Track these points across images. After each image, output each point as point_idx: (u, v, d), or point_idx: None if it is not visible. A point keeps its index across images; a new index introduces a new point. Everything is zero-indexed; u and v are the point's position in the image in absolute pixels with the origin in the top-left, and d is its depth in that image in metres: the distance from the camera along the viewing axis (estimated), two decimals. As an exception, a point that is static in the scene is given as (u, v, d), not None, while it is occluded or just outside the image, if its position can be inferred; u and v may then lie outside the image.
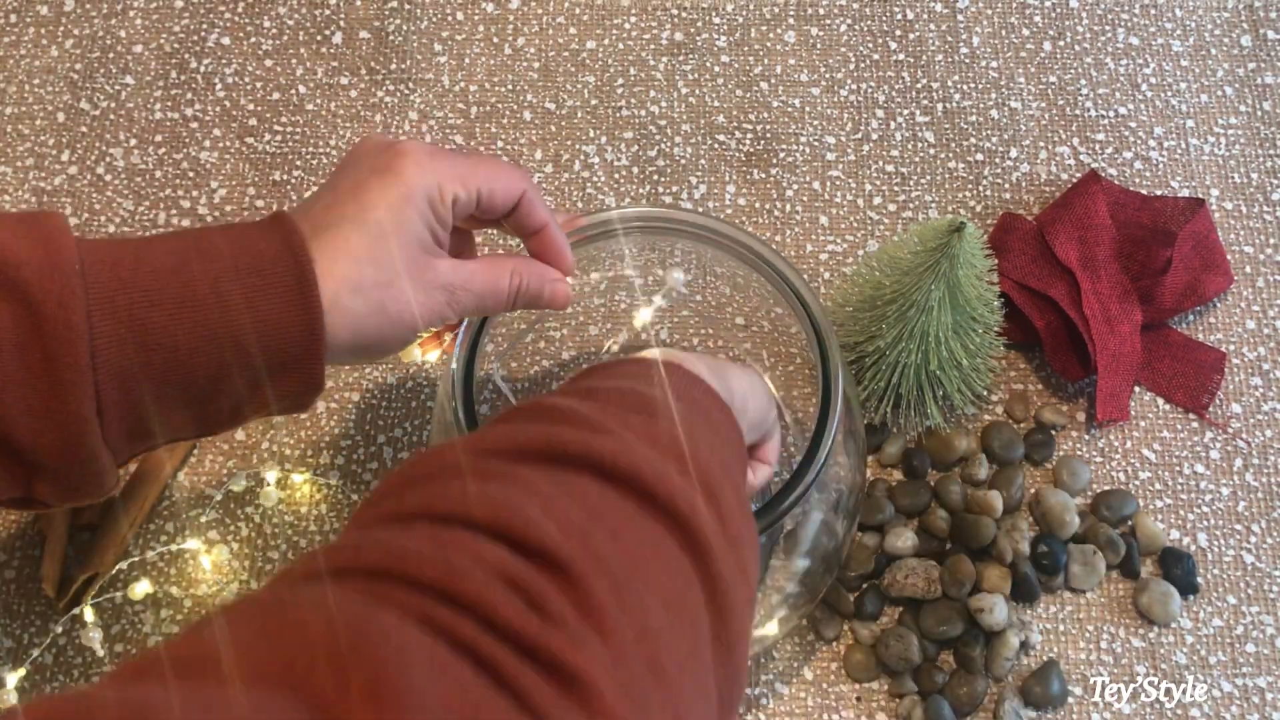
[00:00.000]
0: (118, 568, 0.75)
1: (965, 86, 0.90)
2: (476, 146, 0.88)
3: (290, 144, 0.88)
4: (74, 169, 0.87)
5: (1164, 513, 0.78)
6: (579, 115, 0.89)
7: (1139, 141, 0.88)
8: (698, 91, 0.90)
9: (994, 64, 0.91)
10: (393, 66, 0.91)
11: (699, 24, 0.92)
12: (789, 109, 0.89)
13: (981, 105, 0.89)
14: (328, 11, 0.93)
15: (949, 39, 0.91)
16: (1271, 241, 0.85)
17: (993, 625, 0.72)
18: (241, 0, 0.93)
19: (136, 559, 0.76)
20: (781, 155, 0.88)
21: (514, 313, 0.64)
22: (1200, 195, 0.86)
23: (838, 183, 0.87)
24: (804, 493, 0.61)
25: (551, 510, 0.41)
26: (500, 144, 0.88)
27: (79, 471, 0.51)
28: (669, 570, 0.43)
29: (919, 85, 0.90)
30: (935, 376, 0.75)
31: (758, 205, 0.86)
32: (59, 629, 0.74)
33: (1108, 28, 0.92)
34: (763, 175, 0.87)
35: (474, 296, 0.58)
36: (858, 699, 0.73)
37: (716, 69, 0.91)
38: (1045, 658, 0.74)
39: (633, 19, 0.92)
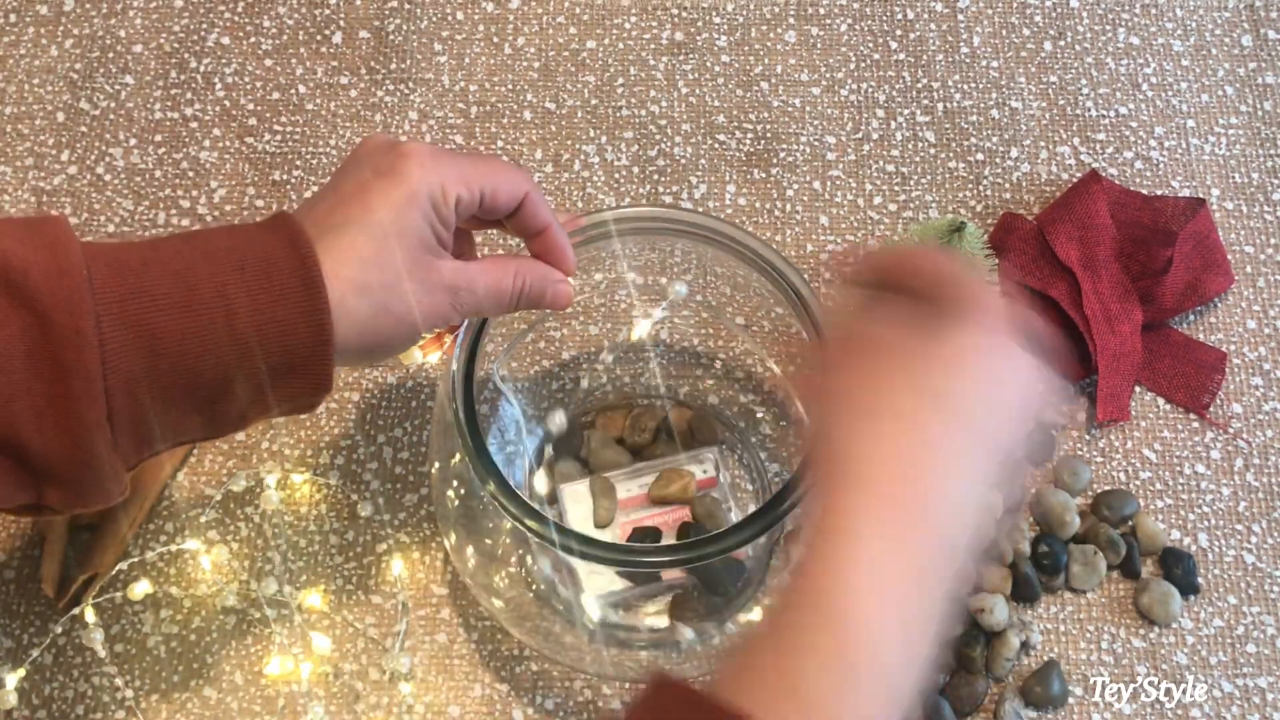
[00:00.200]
0: (117, 568, 0.75)
1: (966, 86, 0.90)
2: (476, 146, 0.88)
3: (290, 144, 0.88)
4: (74, 169, 0.87)
5: (1164, 513, 0.78)
6: (579, 115, 0.89)
7: (1139, 141, 0.88)
8: (698, 91, 0.90)
9: (994, 64, 0.91)
10: (393, 66, 0.91)
11: (699, 24, 0.92)
12: (789, 109, 0.89)
13: (982, 105, 0.89)
14: (328, 11, 0.93)
15: (949, 39, 0.91)
16: (1272, 241, 0.85)
17: (993, 625, 0.72)
18: (241, 0, 0.93)
19: (136, 559, 0.76)
20: (782, 155, 0.88)
21: (514, 313, 0.64)
22: (1201, 195, 0.86)
23: (838, 182, 0.87)
24: (803, 493, 0.61)
25: None
26: (500, 144, 0.88)
27: (89, 478, 0.51)
28: None
29: (919, 85, 0.90)
30: None
31: (758, 205, 0.86)
32: (59, 629, 0.74)
33: (1108, 27, 0.92)
34: (763, 175, 0.87)
35: (477, 297, 0.58)
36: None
37: (717, 69, 0.91)
38: (1046, 658, 0.73)
39: (633, 19, 0.92)
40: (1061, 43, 0.91)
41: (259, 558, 0.76)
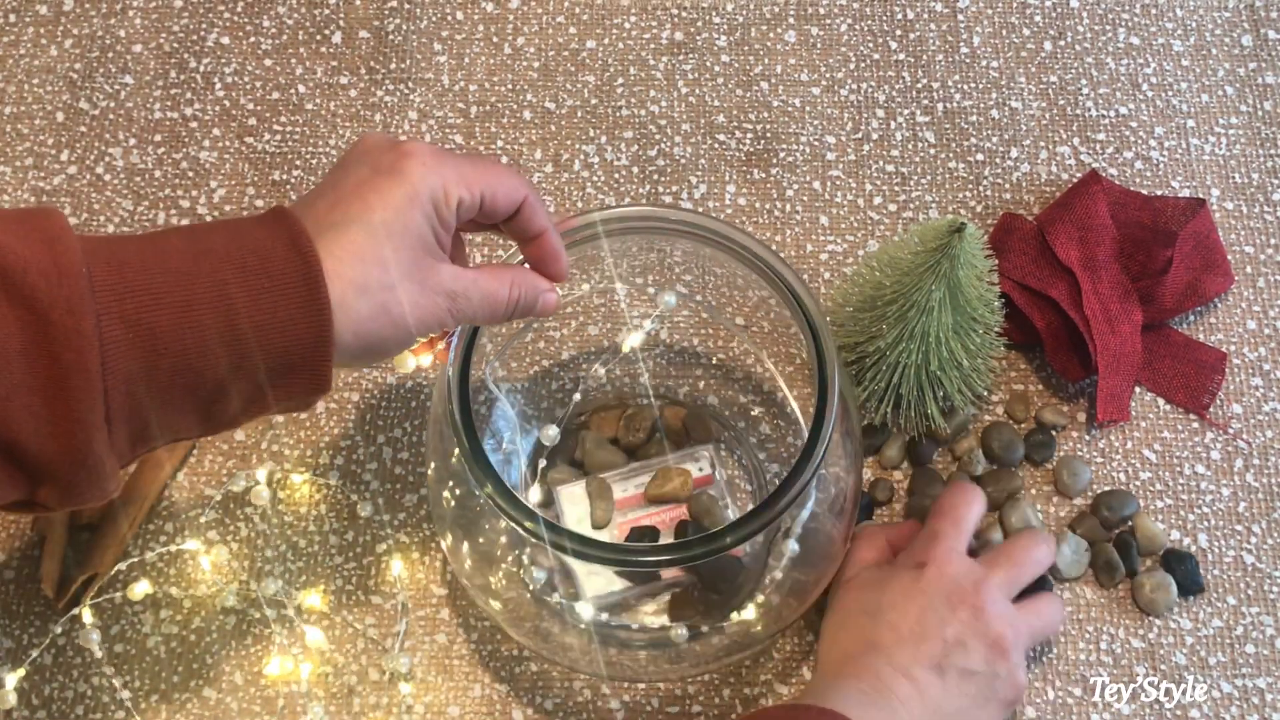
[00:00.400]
0: (117, 568, 0.75)
1: (966, 86, 0.90)
2: (476, 146, 0.88)
3: (290, 144, 0.88)
4: (73, 169, 0.87)
5: (1164, 513, 0.78)
6: (579, 115, 0.89)
7: (1140, 141, 0.88)
8: (698, 91, 0.90)
9: (994, 64, 0.91)
10: (392, 66, 0.91)
11: (699, 24, 0.92)
12: (789, 109, 0.89)
13: (982, 105, 0.89)
14: (327, 11, 0.93)
15: (949, 39, 0.91)
16: (1272, 241, 0.85)
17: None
18: (241, 0, 0.93)
19: (136, 559, 0.76)
20: (781, 155, 0.88)
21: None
22: (1201, 195, 0.86)
23: (838, 182, 0.87)
24: (799, 492, 0.61)
25: None
26: (500, 144, 0.88)
27: (84, 477, 0.51)
28: None
29: (919, 85, 0.90)
30: (936, 377, 0.75)
31: (758, 205, 0.86)
32: (58, 629, 0.74)
33: (1108, 27, 0.92)
34: (763, 175, 0.87)
35: (474, 305, 0.58)
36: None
37: (716, 69, 0.91)
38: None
39: (633, 19, 0.92)
40: (1061, 43, 0.91)
41: (259, 558, 0.76)
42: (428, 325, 0.57)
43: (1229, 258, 0.84)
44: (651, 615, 0.73)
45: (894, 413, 0.78)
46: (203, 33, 0.92)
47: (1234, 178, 0.87)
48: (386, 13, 0.93)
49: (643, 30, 0.92)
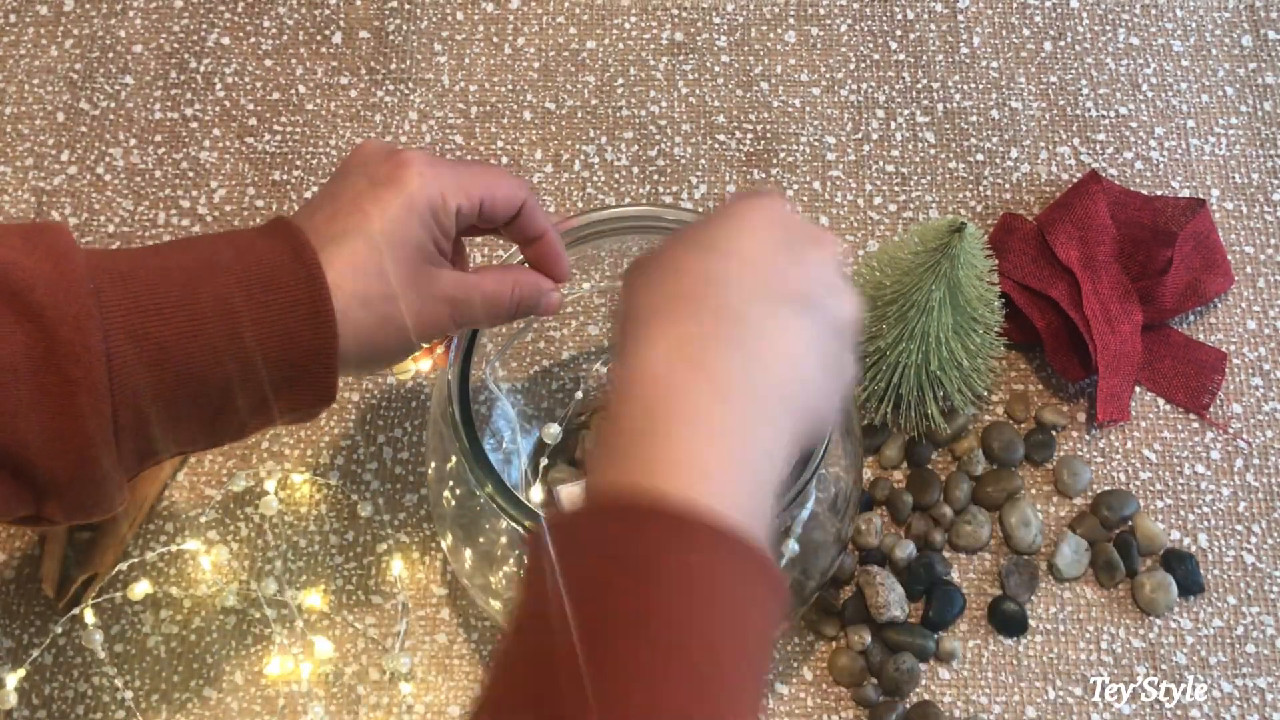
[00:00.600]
0: (117, 568, 0.75)
1: (966, 86, 0.90)
2: (476, 147, 0.88)
3: (290, 144, 0.88)
4: (74, 169, 0.87)
5: (1164, 513, 0.78)
6: (579, 115, 0.89)
7: (1139, 142, 0.88)
8: (698, 91, 0.90)
9: (994, 64, 0.91)
10: (393, 66, 0.91)
11: (699, 24, 0.92)
12: (789, 109, 0.89)
13: (982, 105, 0.89)
14: (328, 11, 0.93)
15: (949, 39, 0.91)
16: (1272, 242, 0.85)
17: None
18: (241, 0, 0.93)
19: (136, 559, 0.76)
20: (782, 155, 0.88)
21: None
22: (1201, 195, 0.86)
23: (838, 183, 0.87)
24: (799, 492, 0.61)
25: None
26: (500, 144, 0.88)
27: (91, 492, 0.51)
28: None
29: (919, 85, 0.90)
30: (936, 377, 0.75)
31: (758, 205, 0.86)
32: (59, 629, 0.74)
33: (1108, 28, 0.92)
34: (763, 175, 0.87)
35: (475, 309, 0.59)
36: (856, 702, 0.73)
37: (716, 69, 0.91)
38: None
39: (633, 19, 0.92)
40: (1061, 43, 0.91)
41: (259, 558, 0.76)
42: (430, 332, 0.57)
43: (1229, 258, 0.84)
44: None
45: (894, 413, 0.78)
46: (203, 33, 0.92)
47: (1234, 178, 0.87)
48: (387, 13, 0.93)
49: (643, 30, 0.92)
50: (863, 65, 0.91)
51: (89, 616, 0.74)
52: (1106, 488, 0.78)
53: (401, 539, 0.77)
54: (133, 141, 0.88)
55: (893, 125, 0.89)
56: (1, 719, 0.72)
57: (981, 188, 0.87)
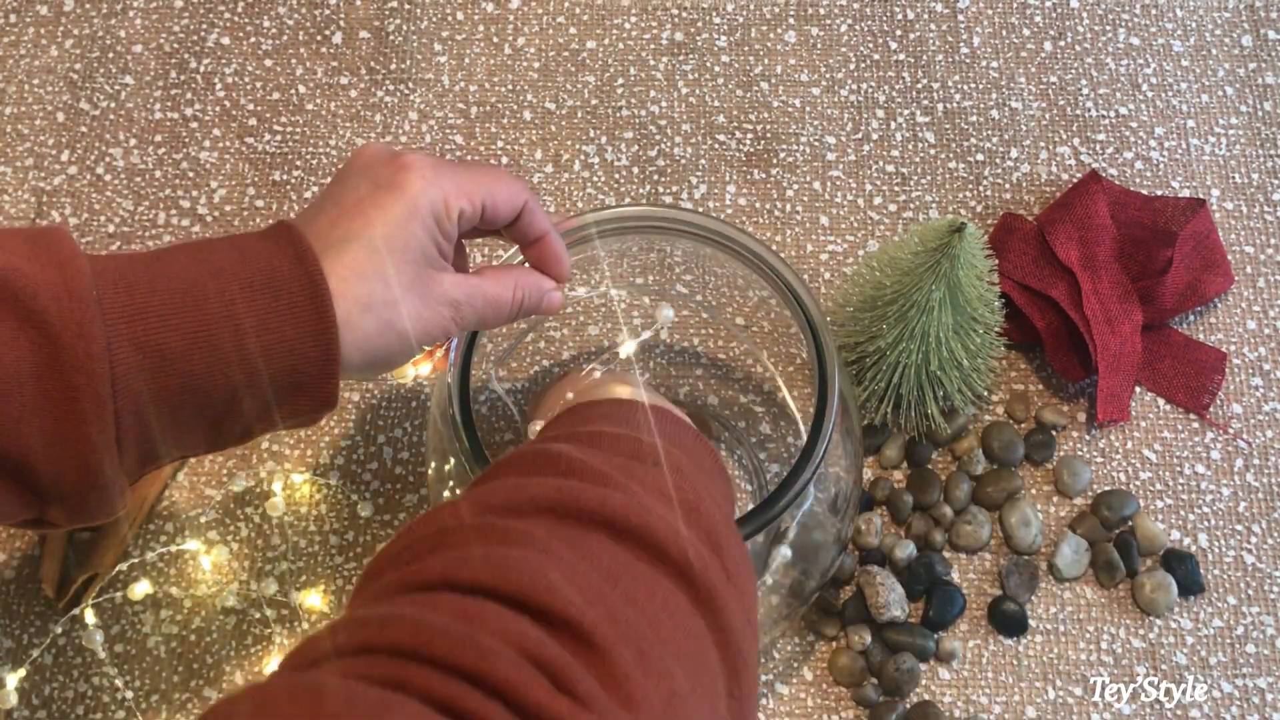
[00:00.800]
0: (117, 568, 0.75)
1: (966, 86, 0.90)
2: (476, 147, 0.88)
3: (290, 144, 0.88)
4: (74, 169, 0.87)
5: (1165, 513, 0.78)
6: (579, 115, 0.89)
7: (1140, 142, 0.88)
8: (698, 91, 0.90)
9: (994, 64, 0.91)
10: (393, 66, 0.91)
11: (699, 24, 0.92)
12: (789, 109, 0.89)
13: (982, 105, 0.89)
14: (328, 11, 0.93)
15: (949, 39, 0.91)
16: (1272, 242, 0.85)
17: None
18: (241, 0, 0.93)
19: (136, 559, 0.76)
20: (782, 155, 0.88)
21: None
22: (1201, 195, 0.86)
23: (838, 183, 0.87)
24: (799, 492, 0.61)
25: (572, 577, 0.41)
26: (500, 144, 0.88)
27: (94, 497, 0.51)
28: (685, 631, 0.43)
29: (919, 85, 0.90)
30: (936, 377, 0.75)
31: (758, 205, 0.86)
32: (59, 629, 0.74)
33: (1108, 28, 0.92)
34: (763, 175, 0.87)
35: (478, 311, 0.59)
36: (856, 702, 0.73)
37: (717, 69, 0.91)
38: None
39: (633, 19, 0.92)
40: (1061, 43, 0.91)
41: (259, 558, 0.76)
42: (432, 336, 0.57)
43: (1229, 258, 0.84)
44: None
45: (894, 413, 0.78)
46: (203, 33, 0.92)
47: (1234, 178, 0.87)
48: (387, 13, 0.93)
49: (643, 30, 0.92)
50: (863, 65, 0.91)
51: (89, 616, 0.74)
52: (1107, 488, 0.78)
53: (401, 539, 0.77)
54: (133, 141, 0.88)
55: (893, 125, 0.89)
56: (1, 719, 0.72)
57: (981, 188, 0.87)
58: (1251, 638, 0.75)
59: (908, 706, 0.73)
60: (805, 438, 0.62)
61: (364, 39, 0.92)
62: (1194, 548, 0.77)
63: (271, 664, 0.73)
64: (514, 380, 0.80)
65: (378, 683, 0.35)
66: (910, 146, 0.88)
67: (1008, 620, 0.74)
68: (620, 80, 0.90)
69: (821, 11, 0.93)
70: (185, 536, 0.77)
